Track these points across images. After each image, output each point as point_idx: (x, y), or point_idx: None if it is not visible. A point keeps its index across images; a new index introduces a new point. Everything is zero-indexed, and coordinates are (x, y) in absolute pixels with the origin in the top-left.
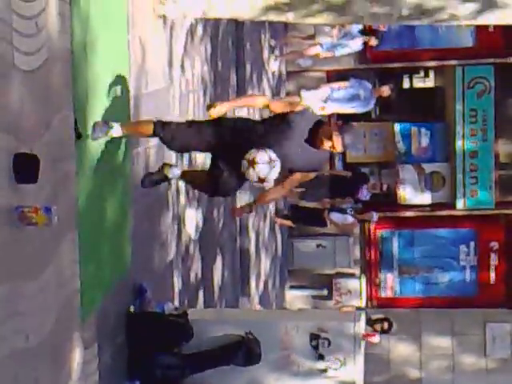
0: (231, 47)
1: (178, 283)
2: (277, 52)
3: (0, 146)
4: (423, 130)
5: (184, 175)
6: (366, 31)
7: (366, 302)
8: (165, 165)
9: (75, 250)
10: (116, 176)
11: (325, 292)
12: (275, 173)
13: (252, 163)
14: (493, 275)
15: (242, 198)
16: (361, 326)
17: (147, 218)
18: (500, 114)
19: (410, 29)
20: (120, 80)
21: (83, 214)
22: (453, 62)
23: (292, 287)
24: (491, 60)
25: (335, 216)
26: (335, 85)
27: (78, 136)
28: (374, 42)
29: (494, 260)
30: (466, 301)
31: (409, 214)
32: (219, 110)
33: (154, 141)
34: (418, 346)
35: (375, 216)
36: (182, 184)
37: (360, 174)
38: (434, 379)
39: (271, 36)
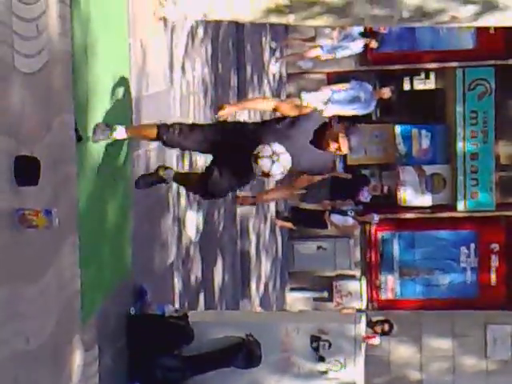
0: (232, 49)
1: (178, 285)
2: (277, 54)
3: (1, 149)
4: (424, 131)
5: (176, 177)
6: (367, 33)
7: (367, 304)
8: (160, 167)
9: (76, 252)
10: (117, 178)
11: (325, 294)
12: (279, 167)
13: (256, 158)
14: (493, 277)
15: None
16: (361, 328)
17: (148, 220)
18: (500, 115)
19: (410, 31)
20: (120, 82)
21: (84, 217)
22: (453, 64)
23: (292, 289)
24: (492, 62)
25: (336, 218)
26: (336, 87)
27: (79, 138)
28: (374, 44)
29: (494, 262)
30: (466, 302)
31: (409, 215)
32: (229, 111)
33: (155, 143)
34: (419, 348)
35: (376, 218)
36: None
37: (361, 176)
38: (435, 381)
39: (272, 38)
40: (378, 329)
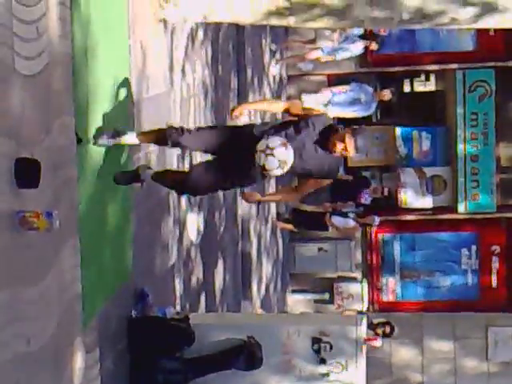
0: (232, 51)
1: (179, 287)
2: (278, 56)
3: (1, 151)
4: (424, 133)
5: (154, 176)
6: (367, 35)
7: (368, 306)
8: (142, 166)
9: (76, 254)
10: None
11: (326, 296)
12: (273, 162)
13: (255, 153)
14: (494, 279)
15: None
16: (362, 330)
17: (148, 222)
18: (501, 117)
19: (410, 33)
20: (121, 84)
21: (84, 219)
22: (453, 66)
23: (294, 291)
24: (492, 63)
25: (337, 220)
26: (336, 89)
27: (78, 141)
28: (374, 46)
29: (495, 263)
30: (467, 304)
31: (410, 217)
32: (240, 112)
33: (155, 146)
34: (420, 350)
35: (377, 220)
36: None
37: (361, 178)
38: (436, 383)
39: (272, 40)
40: (380, 331)
